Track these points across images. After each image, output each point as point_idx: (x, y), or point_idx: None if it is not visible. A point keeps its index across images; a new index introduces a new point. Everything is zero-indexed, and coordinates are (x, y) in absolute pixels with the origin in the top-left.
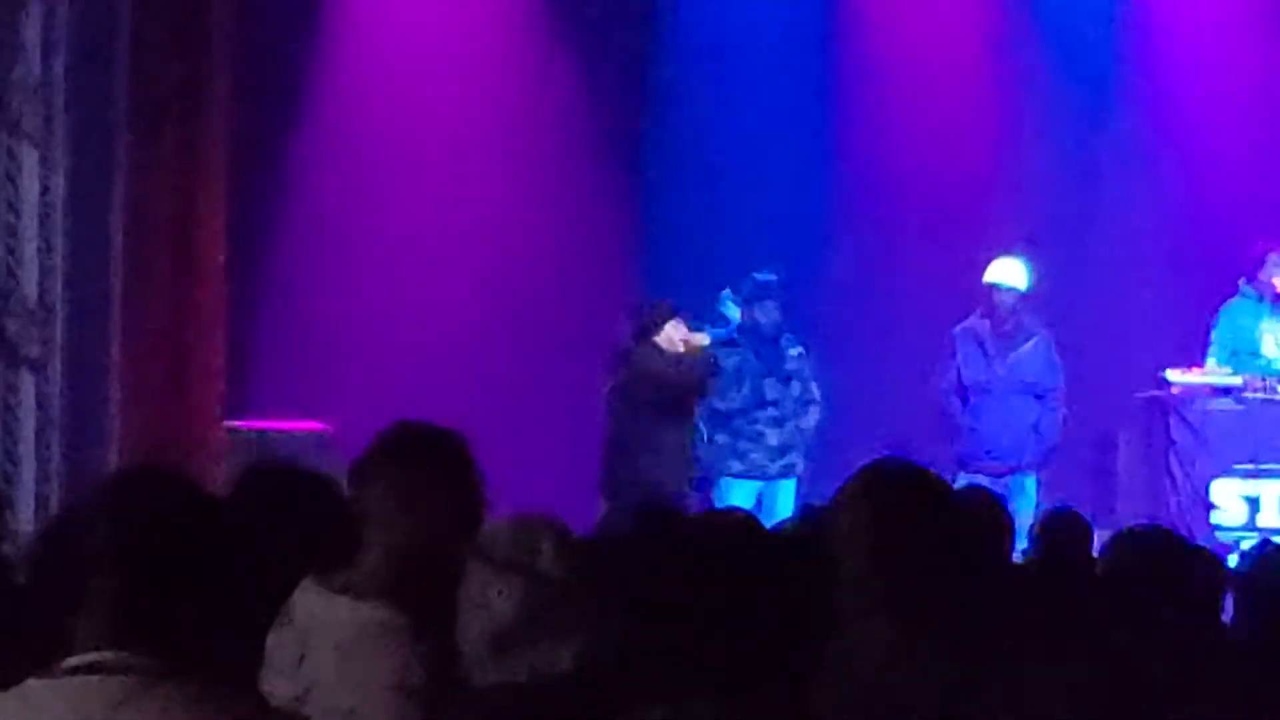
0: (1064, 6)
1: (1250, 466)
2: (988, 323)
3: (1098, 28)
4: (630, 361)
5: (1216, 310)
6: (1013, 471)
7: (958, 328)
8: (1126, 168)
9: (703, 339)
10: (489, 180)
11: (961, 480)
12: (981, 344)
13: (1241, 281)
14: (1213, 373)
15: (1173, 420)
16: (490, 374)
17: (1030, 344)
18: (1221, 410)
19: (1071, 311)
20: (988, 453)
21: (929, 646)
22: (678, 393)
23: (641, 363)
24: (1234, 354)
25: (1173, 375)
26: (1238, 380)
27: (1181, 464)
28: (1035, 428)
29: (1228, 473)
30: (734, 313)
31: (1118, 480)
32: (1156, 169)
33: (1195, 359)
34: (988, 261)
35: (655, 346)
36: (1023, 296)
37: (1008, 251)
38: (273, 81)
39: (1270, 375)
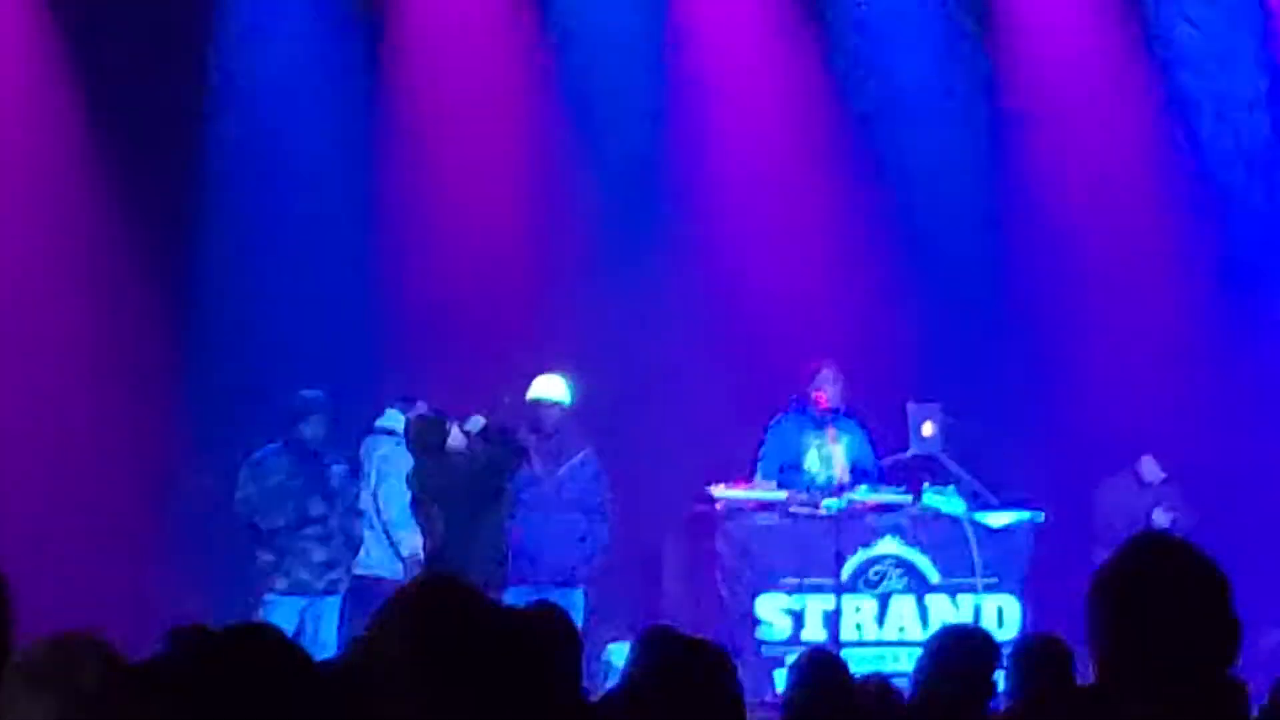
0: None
1: (794, 581)
2: (534, 438)
3: (646, 113)
4: (431, 474)
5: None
6: (560, 586)
7: None
8: (677, 286)
9: (479, 421)
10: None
11: (509, 596)
12: (527, 460)
13: (793, 398)
14: (758, 487)
15: (718, 535)
16: (32, 488)
17: (576, 459)
18: (765, 525)
19: (622, 426)
20: (535, 568)
21: None
22: (497, 475)
23: (446, 473)
24: (781, 468)
25: (717, 490)
26: (782, 495)
27: (727, 578)
28: (582, 542)
29: (772, 587)
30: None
31: (665, 594)
32: (707, 287)
33: (750, 474)
34: (532, 377)
35: (448, 453)
36: (566, 411)
37: (550, 368)
38: None
39: (814, 489)
